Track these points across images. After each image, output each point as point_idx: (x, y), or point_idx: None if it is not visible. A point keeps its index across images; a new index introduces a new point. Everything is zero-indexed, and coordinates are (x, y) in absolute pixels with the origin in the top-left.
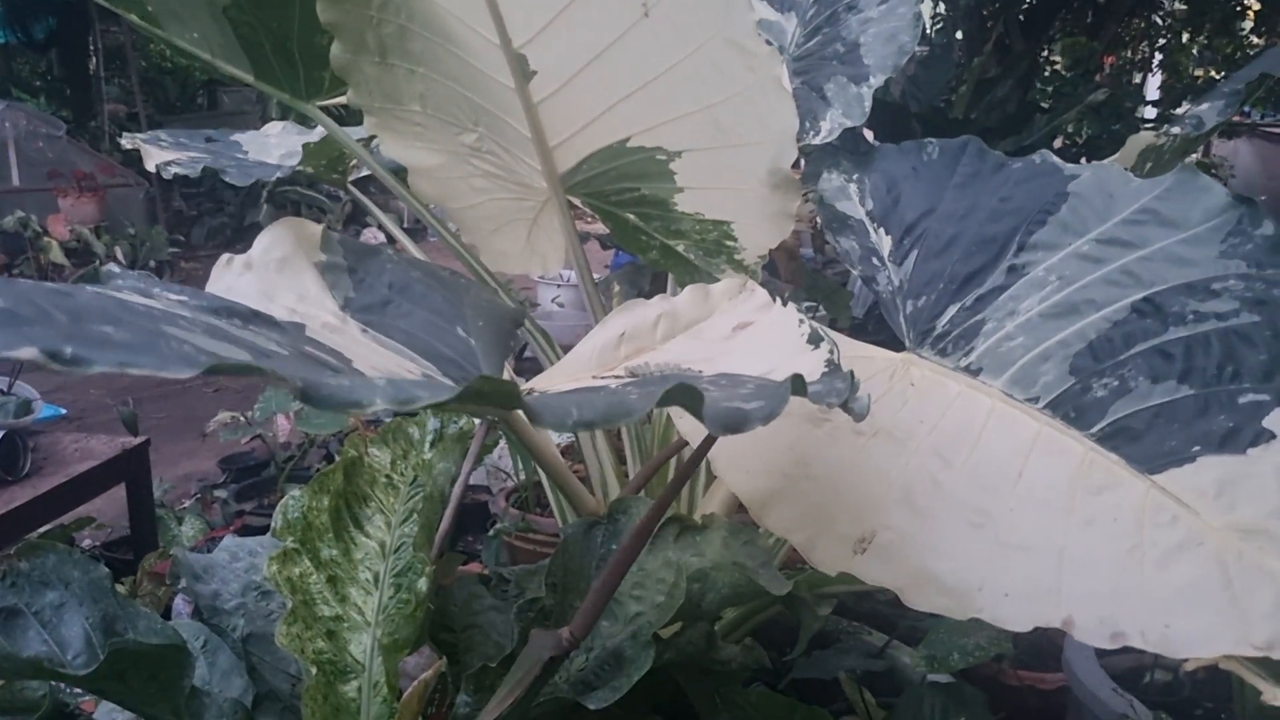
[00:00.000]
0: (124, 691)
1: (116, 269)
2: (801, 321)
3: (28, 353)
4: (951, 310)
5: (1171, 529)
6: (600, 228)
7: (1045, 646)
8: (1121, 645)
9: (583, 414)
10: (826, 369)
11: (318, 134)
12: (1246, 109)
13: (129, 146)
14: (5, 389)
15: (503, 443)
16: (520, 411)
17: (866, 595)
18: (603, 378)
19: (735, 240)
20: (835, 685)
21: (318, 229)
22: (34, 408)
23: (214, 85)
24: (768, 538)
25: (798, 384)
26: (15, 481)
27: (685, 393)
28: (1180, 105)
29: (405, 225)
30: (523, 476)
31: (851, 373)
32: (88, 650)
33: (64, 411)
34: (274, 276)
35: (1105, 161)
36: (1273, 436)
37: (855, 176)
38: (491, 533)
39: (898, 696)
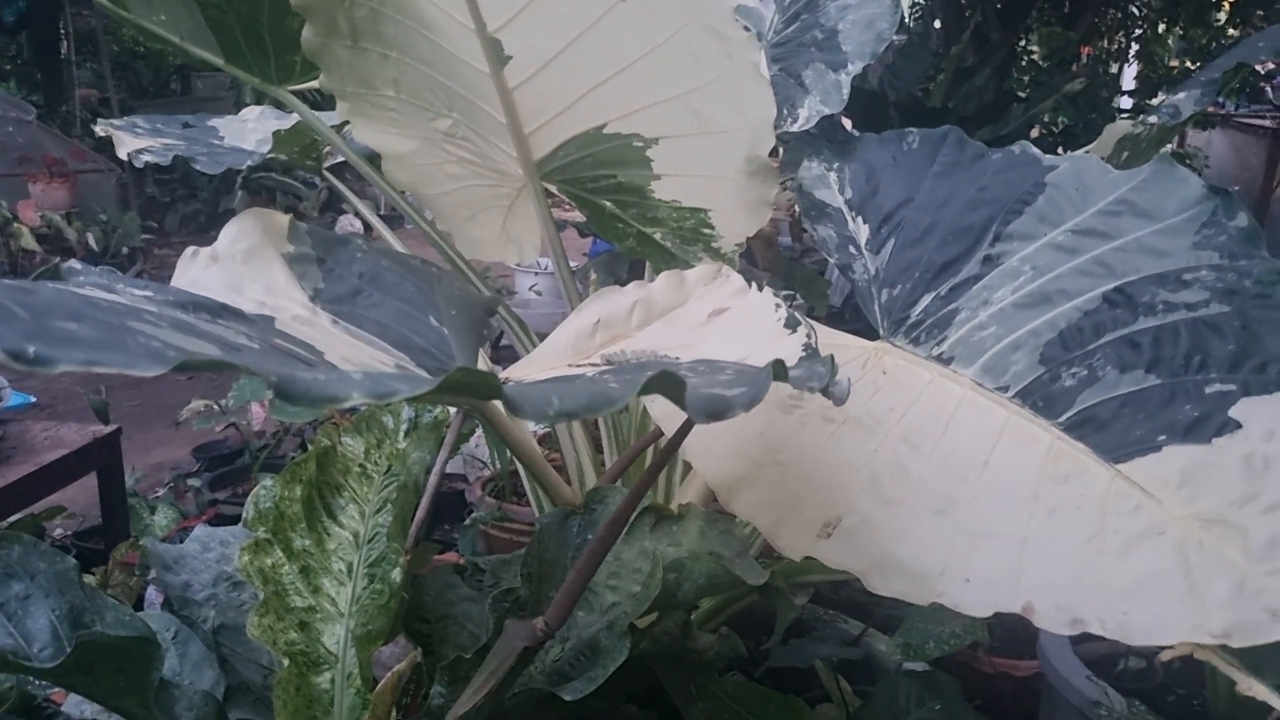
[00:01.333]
0: (91, 684)
1: (78, 265)
2: (778, 306)
3: None
4: (926, 299)
5: (1134, 518)
6: (578, 215)
7: (1021, 634)
8: (1080, 632)
9: (564, 404)
10: (805, 354)
11: (292, 119)
12: (1221, 100)
13: (102, 134)
14: None
15: (479, 431)
16: (498, 402)
17: (843, 584)
18: (579, 366)
19: (712, 228)
20: (812, 673)
21: (285, 219)
22: (2, 395)
23: (188, 70)
24: (744, 527)
25: (779, 369)
26: None
27: (667, 380)
28: (1156, 95)
29: (382, 213)
30: (499, 466)
31: (831, 357)
32: (54, 643)
33: (34, 399)
34: (241, 269)
35: (1082, 152)
36: (1238, 426)
37: (835, 165)
38: (468, 522)
39: (873, 684)
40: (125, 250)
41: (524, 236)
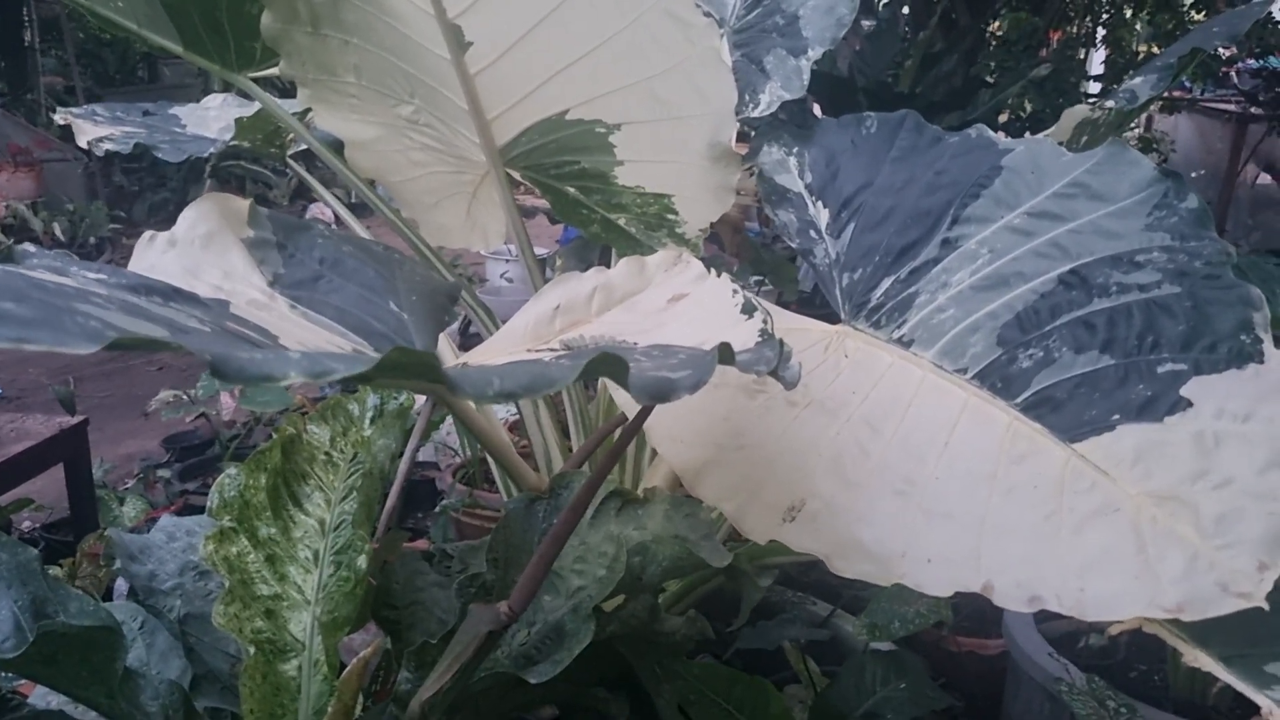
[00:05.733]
0: (55, 674)
1: (32, 248)
2: (736, 292)
3: None
4: (886, 283)
5: (1089, 496)
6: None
7: (987, 614)
8: (1039, 609)
9: (504, 384)
10: (760, 339)
11: (255, 107)
12: (1187, 83)
13: (62, 123)
14: None
15: (450, 420)
16: (441, 386)
17: (811, 566)
18: (536, 351)
19: (676, 214)
20: (780, 655)
21: (245, 204)
22: None
23: (154, 58)
24: (709, 511)
25: (725, 353)
26: None
27: (610, 362)
28: (1123, 81)
29: (352, 201)
30: (470, 454)
31: (781, 341)
32: (16, 634)
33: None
34: (199, 253)
35: (1040, 135)
36: (1189, 405)
37: (795, 150)
38: (439, 509)
39: (841, 665)
40: (93, 240)
41: (489, 223)
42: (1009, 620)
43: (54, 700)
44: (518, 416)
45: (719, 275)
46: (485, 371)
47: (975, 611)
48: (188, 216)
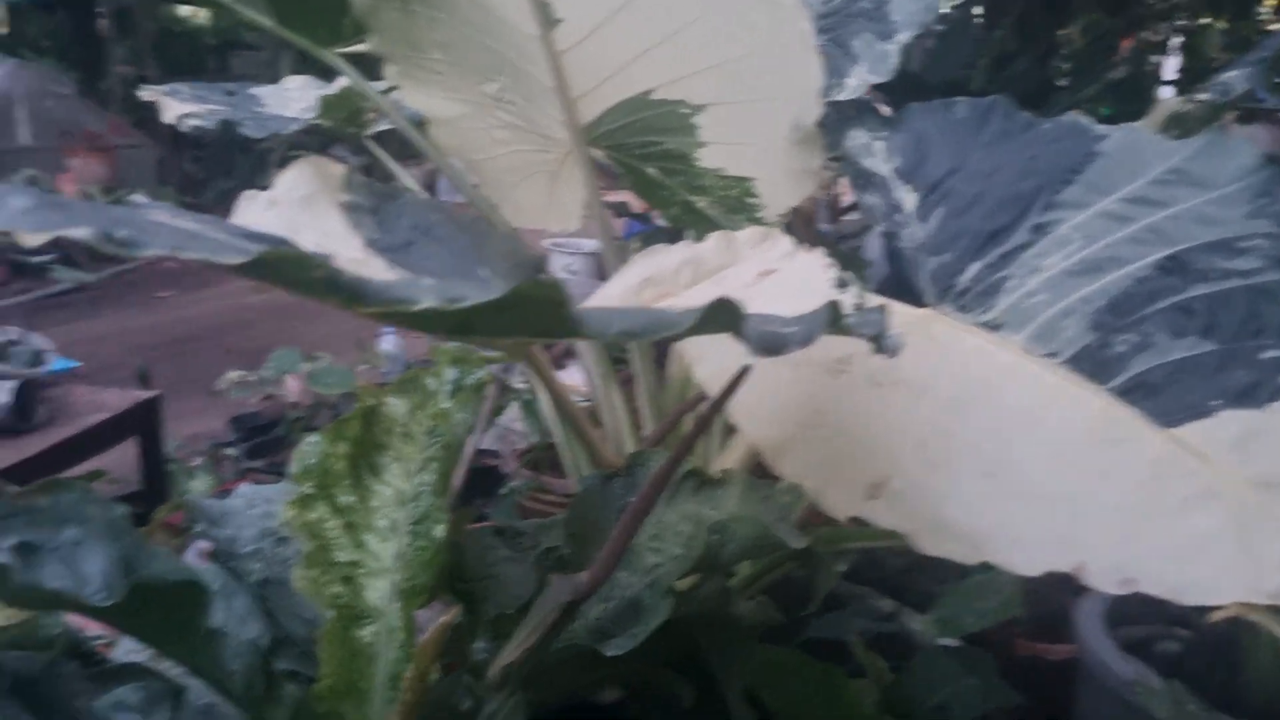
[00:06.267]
0: (143, 626)
1: (142, 198)
2: (828, 268)
3: (81, 232)
4: (974, 267)
5: (1187, 481)
6: (614, 197)
7: (1054, 619)
8: (1132, 591)
9: (625, 324)
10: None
11: (336, 87)
12: (1262, 95)
13: (148, 99)
14: (16, 339)
15: (510, 410)
16: (564, 324)
17: (877, 560)
18: None
19: (757, 197)
20: (844, 648)
21: (340, 169)
22: (46, 358)
23: (224, 48)
24: (784, 494)
25: (834, 311)
26: (27, 432)
27: (726, 311)
28: (1197, 88)
29: (422, 184)
30: (536, 438)
31: (884, 306)
32: (108, 586)
33: (78, 364)
34: (298, 214)
35: (1134, 124)
36: None
37: (882, 133)
38: (505, 491)
39: (905, 662)
40: None
41: (569, 203)
42: (1079, 624)
43: (139, 656)
44: (589, 403)
45: (810, 252)
46: (606, 312)
47: (1040, 618)
48: (287, 178)
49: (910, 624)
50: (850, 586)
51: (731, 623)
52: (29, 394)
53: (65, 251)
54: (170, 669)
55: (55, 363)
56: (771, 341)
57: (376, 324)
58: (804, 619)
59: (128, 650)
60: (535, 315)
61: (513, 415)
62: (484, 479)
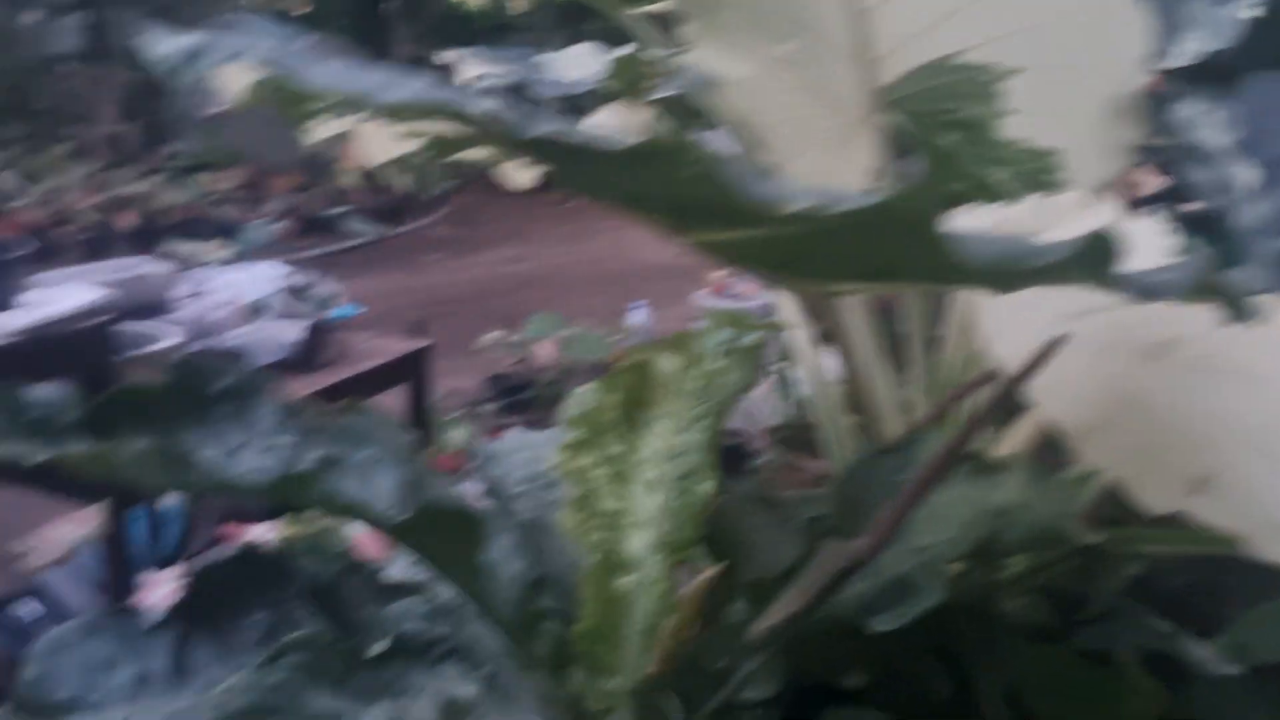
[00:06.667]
0: (429, 545)
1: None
2: (1170, 234)
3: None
4: None
5: None
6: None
7: None
8: None
9: (1000, 250)
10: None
11: (619, 52)
12: None
13: (449, 60)
14: (310, 283)
15: (756, 390)
16: (932, 247)
17: (1154, 577)
18: None
19: (1059, 173)
20: (1110, 664)
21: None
22: (334, 303)
23: (498, 30)
24: (1071, 486)
25: (1209, 268)
26: (313, 371)
27: (1103, 244)
28: None
29: None
30: (792, 415)
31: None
32: (398, 503)
33: (363, 309)
34: None
35: None
36: None
37: (1215, 105)
38: (756, 465)
39: (1175, 687)
40: (435, 193)
41: (853, 172)
42: None
43: (418, 574)
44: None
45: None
46: (977, 239)
47: None
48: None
49: (1191, 648)
50: (1123, 601)
51: (999, 617)
52: (319, 334)
53: (357, 206)
54: (441, 594)
55: (341, 309)
56: (1150, 286)
57: (625, 299)
58: (1073, 625)
59: (405, 566)
60: (900, 237)
61: (758, 394)
62: (728, 456)
